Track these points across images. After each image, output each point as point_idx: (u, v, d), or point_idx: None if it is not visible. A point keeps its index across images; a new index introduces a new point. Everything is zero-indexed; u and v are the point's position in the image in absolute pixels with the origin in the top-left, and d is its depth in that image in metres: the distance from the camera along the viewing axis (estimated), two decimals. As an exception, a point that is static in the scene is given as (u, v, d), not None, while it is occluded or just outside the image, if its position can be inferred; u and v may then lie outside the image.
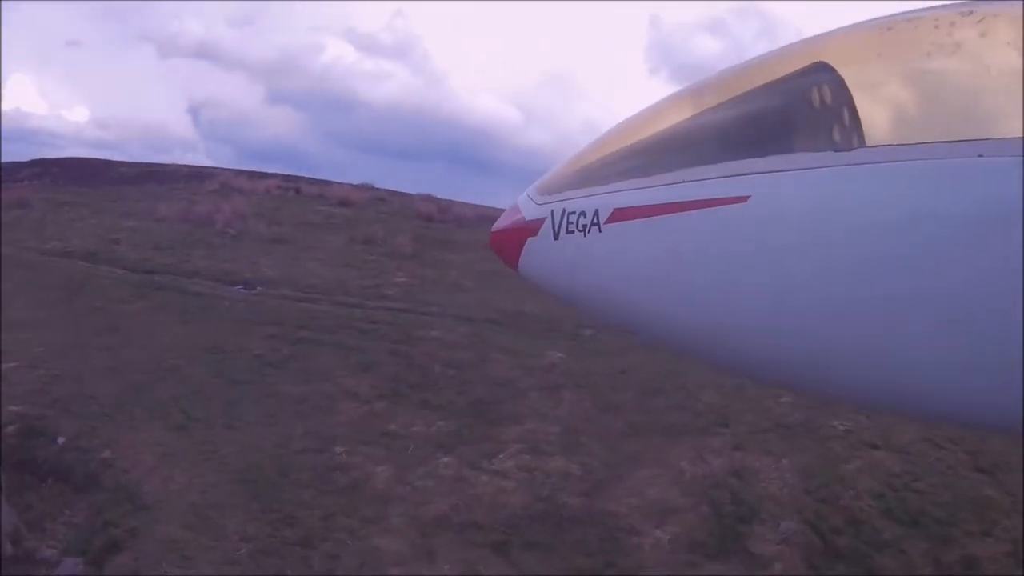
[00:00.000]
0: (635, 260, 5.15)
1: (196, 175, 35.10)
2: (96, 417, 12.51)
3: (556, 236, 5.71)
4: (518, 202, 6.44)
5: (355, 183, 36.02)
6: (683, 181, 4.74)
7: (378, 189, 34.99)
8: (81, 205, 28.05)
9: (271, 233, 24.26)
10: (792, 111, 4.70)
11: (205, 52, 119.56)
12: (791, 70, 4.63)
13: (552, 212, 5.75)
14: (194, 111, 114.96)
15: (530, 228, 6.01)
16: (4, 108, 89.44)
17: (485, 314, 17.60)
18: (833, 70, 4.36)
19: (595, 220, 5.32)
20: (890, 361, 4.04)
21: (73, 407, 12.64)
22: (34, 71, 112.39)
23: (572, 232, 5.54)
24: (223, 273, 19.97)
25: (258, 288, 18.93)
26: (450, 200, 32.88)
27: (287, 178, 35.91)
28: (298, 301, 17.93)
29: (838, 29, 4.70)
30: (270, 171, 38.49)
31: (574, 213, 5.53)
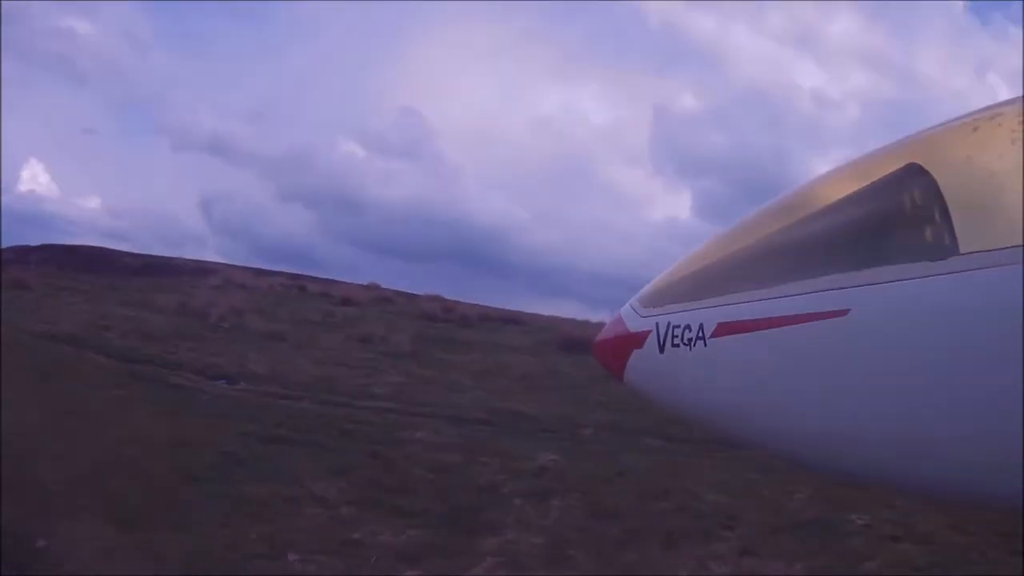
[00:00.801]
0: (739, 373, 5.33)
1: (201, 269, 34.79)
2: (38, 505, 11.35)
3: (661, 349, 5.96)
4: (621, 314, 6.83)
5: (362, 283, 35.62)
6: (783, 296, 4.90)
7: (384, 289, 34.44)
8: (80, 291, 27.68)
9: (266, 329, 23.57)
10: (886, 218, 4.79)
11: (218, 146, 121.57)
12: (882, 175, 4.75)
13: (657, 325, 6.01)
14: (205, 205, 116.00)
15: (635, 340, 6.33)
16: (21, 191, 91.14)
17: (477, 415, 16.55)
18: (925, 173, 4.39)
19: (700, 334, 5.50)
20: (997, 461, 4.00)
21: (16, 491, 11.51)
22: (49, 157, 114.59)
23: (677, 345, 5.76)
24: (208, 366, 19.11)
25: (241, 383, 17.99)
26: (456, 300, 32.23)
27: (293, 276, 35.77)
28: (281, 398, 16.83)
29: (924, 131, 4.82)
30: (277, 269, 38.36)
31: (678, 327, 5.74)
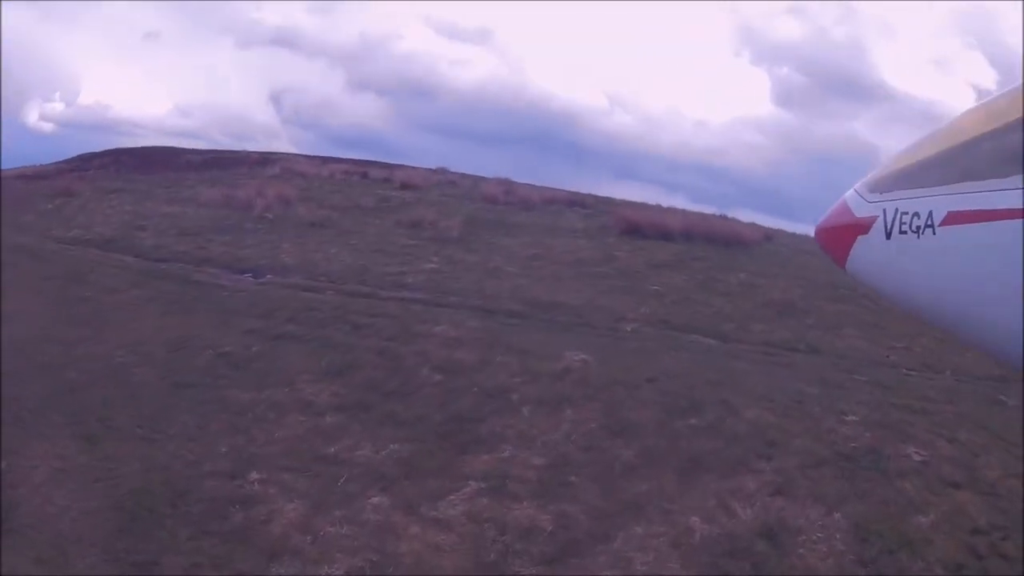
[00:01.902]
0: (968, 264, 5.17)
1: (264, 161, 33.51)
2: (9, 422, 10.39)
3: (888, 236, 5.92)
4: (846, 199, 6.82)
5: (430, 167, 33.98)
6: (1017, 188, 4.63)
7: (450, 173, 32.75)
8: (130, 192, 26.69)
9: (312, 217, 22.19)
10: None
11: (284, 40, 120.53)
12: None
13: (884, 211, 5.97)
14: (275, 98, 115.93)
15: (861, 226, 6.29)
16: (84, 101, 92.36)
17: (511, 305, 14.96)
18: None
19: (929, 222, 5.44)
20: None
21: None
22: (113, 64, 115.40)
23: (905, 232, 5.70)
24: (237, 260, 17.97)
25: (267, 276, 16.86)
26: (528, 184, 30.20)
27: (357, 162, 34.26)
28: (304, 291, 15.80)
29: None
30: (348, 157, 36.91)
31: (907, 213, 5.69)
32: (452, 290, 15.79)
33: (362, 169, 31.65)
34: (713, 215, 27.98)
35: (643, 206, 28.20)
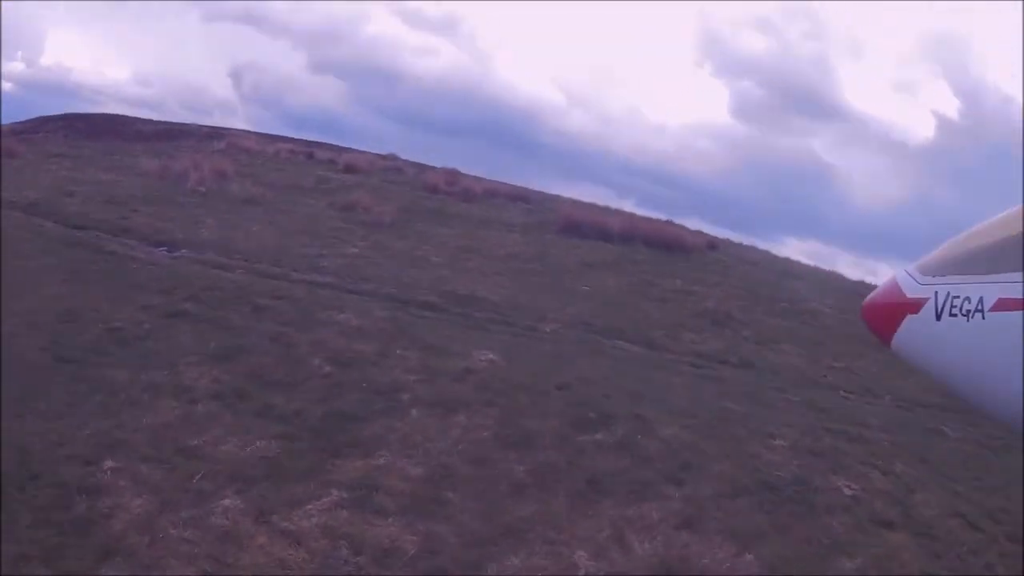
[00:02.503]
0: (1016, 348, 5.26)
1: (214, 135, 32.18)
2: None
3: (938, 317, 6.14)
4: (897, 278, 6.95)
5: (381, 153, 32.90)
6: None
7: (400, 160, 31.65)
8: (73, 158, 25.40)
9: (245, 193, 21.11)
10: None
11: (250, 17, 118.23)
12: None
13: (936, 293, 6.20)
14: (236, 75, 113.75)
15: (911, 306, 6.49)
16: (46, 63, 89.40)
17: (427, 297, 13.99)
18: None
19: (979, 306, 5.67)
20: None
21: None
22: (77, 26, 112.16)
23: (955, 315, 5.91)
24: (156, 232, 16.75)
25: (182, 251, 15.68)
26: (476, 176, 29.18)
27: (306, 143, 33.19)
28: (214, 267, 14.53)
29: None
30: (301, 137, 35.65)
31: (958, 297, 5.91)
32: (369, 277, 14.79)
33: (309, 150, 30.61)
34: (659, 220, 27.12)
35: (588, 205, 27.38)
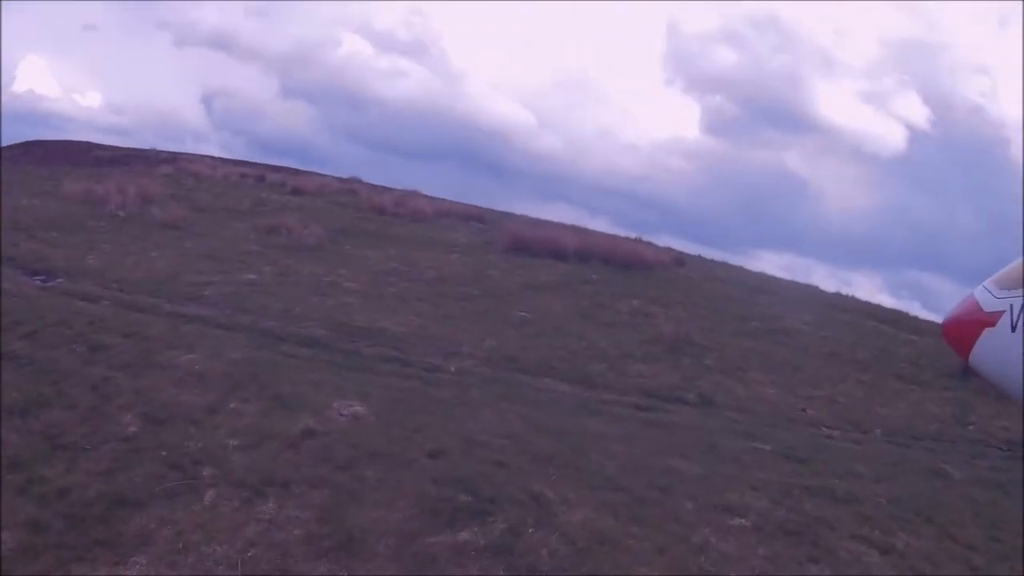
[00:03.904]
0: None
1: (169, 160, 29.26)
2: None
3: (1013, 328, 6.08)
4: (975, 294, 6.84)
5: (342, 176, 30.22)
6: None
7: (362, 183, 28.88)
8: (6, 184, 22.25)
9: (166, 217, 18.15)
10: None
11: (221, 42, 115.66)
12: None
13: (1011, 306, 6.15)
14: (207, 101, 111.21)
15: (988, 320, 6.41)
16: (17, 89, 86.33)
17: (313, 330, 11.02)
18: None
19: None
20: None
21: None
22: (49, 53, 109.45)
23: None
24: (40, 260, 13.96)
25: (58, 280, 12.92)
26: (436, 198, 26.36)
27: (268, 167, 30.85)
28: (80, 299, 11.81)
29: None
30: (271, 163, 32.87)
31: None
32: (252, 308, 11.71)
33: (261, 173, 27.81)
34: (627, 238, 24.15)
35: (543, 223, 24.29)
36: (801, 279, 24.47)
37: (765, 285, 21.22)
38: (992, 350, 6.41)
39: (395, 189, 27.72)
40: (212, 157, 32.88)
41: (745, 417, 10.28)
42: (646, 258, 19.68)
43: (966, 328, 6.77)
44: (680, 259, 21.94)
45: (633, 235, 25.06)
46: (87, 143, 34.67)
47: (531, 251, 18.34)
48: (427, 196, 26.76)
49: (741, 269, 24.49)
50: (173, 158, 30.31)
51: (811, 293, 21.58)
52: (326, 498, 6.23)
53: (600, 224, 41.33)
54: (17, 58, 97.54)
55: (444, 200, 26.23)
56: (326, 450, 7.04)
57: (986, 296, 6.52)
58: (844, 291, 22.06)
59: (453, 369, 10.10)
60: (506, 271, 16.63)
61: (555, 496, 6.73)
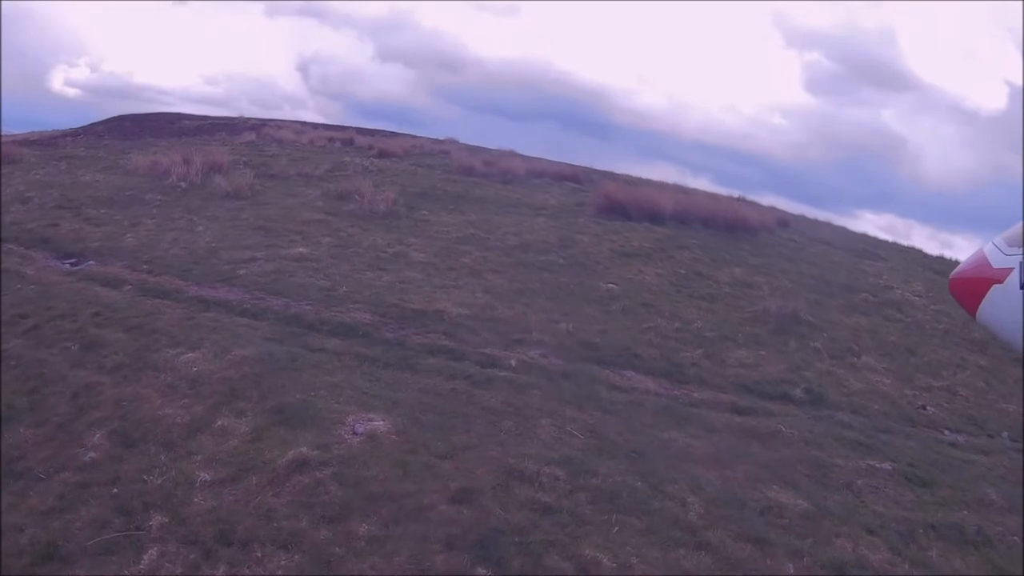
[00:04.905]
0: None
1: (252, 128, 28.56)
2: None
3: (1022, 285, 6.22)
4: (984, 250, 6.92)
5: (438, 137, 29.02)
6: None
7: (459, 144, 27.39)
8: (82, 159, 22.13)
9: (230, 187, 16.96)
10: None
11: (312, 10, 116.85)
12: None
13: (1021, 263, 6.27)
14: (303, 67, 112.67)
15: (997, 276, 6.54)
16: (110, 67, 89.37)
17: (354, 314, 9.59)
18: None
19: None
20: None
21: None
22: (140, 30, 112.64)
23: None
24: (77, 241, 13.16)
25: (90, 263, 12.26)
26: (532, 157, 24.64)
27: (359, 130, 29.67)
28: (102, 284, 10.88)
29: None
30: (370, 126, 31.92)
31: None
32: (289, 288, 10.30)
33: (349, 136, 26.59)
34: (729, 197, 22.07)
35: (641, 182, 22.21)
36: (903, 241, 21.96)
37: (870, 249, 18.80)
38: (999, 306, 6.49)
39: (490, 149, 26.24)
40: (301, 122, 32.01)
41: (858, 420, 8.56)
42: (749, 220, 17.74)
43: (974, 284, 6.84)
44: (784, 220, 20.06)
45: (735, 194, 23.26)
46: (175, 114, 34.37)
47: (626, 213, 16.54)
48: (522, 156, 25.18)
49: (844, 230, 22.16)
50: (261, 125, 29.59)
51: (915, 258, 19.31)
52: (292, 568, 4.67)
53: (702, 183, 39.94)
54: (108, 35, 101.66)
55: (539, 160, 24.47)
56: (316, 490, 5.49)
57: (995, 252, 6.60)
58: (947, 255, 19.99)
59: (513, 363, 8.38)
60: (596, 236, 14.78)
61: (613, 565, 4.97)
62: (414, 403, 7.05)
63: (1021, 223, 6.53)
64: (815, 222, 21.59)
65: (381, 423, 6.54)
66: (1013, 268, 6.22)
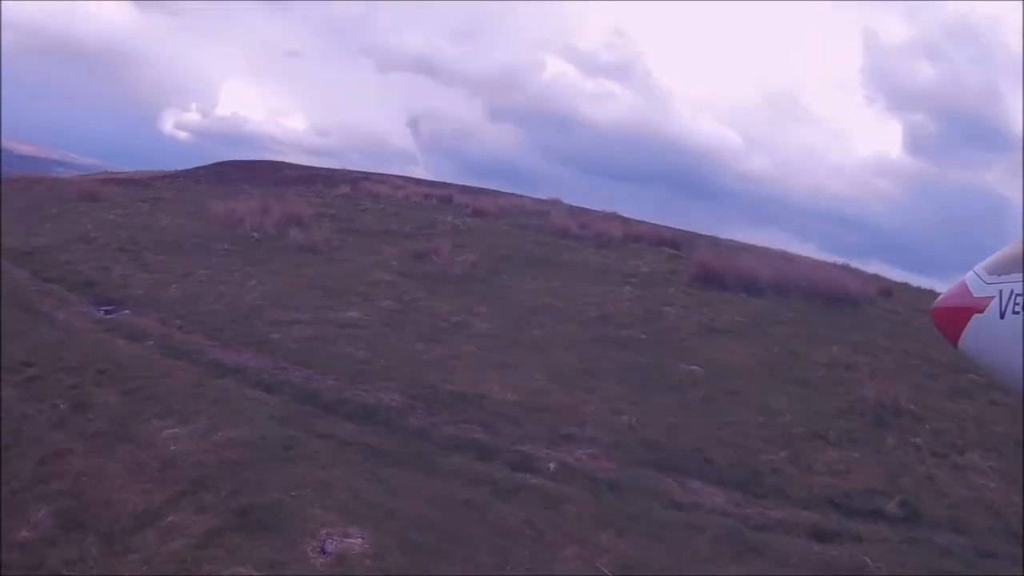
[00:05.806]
0: None
1: (357, 180, 28.71)
2: None
3: (1002, 315, 6.23)
4: (965, 279, 6.97)
5: (542, 197, 28.72)
6: None
7: (560, 204, 26.71)
8: (168, 201, 22.49)
9: (305, 241, 16.62)
10: None
11: (425, 67, 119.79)
12: None
13: (1000, 292, 6.29)
14: (413, 124, 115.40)
15: (977, 306, 6.61)
16: (222, 113, 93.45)
17: (386, 394, 8.84)
18: None
19: None
20: None
21: None
22: (252, 78, 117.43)
23: (1017, 312, 6.03)
24: (121, 287, 13.23)
25: (125, 312, 12.14)
26: (648, 223, 24.39)
27: (457, 187, 29.81)
28: (125, 337, 10.74)
29: None
30: (476, 185, 31.94)
31: (1021, 295, 6.01)
32: (320, 359, 9.54)
33: (448, 194, 26.30)
34: (834, 264, 21.46)
35: (745, 249, 21.04)
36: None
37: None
38: (980, 337, 6.53)
39: (593, 211, 25.55)
40: (404, 177, 32.21)
41: (958, 542, 7.21)
42: (850, 290, 16.84)
43: (955, 314, 6.89)
44: (887, 289, 19.12)
45: (840, 260, 22.62)
46: (278, 162, 34.96)
47: (722, 283, 15.74)
48: (623, 218, 24.63)
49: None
50: (362, 178, 29.71)
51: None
52: None
53: (809, 249, 38.69)
54: (220, 82, 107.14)
55: (640, 223, 23.87)
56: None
57: (976, 281, 6.66)
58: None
59: (552, 467, 7.26)
60: (685, 308, 13.79)
61: None
62: (412, 517, 6.01)
63: (1001, 251, 6.62)
64: (917, 290, 20.29)
65: (359, 541, 5.57)
66: (994, 297, 6.27)
